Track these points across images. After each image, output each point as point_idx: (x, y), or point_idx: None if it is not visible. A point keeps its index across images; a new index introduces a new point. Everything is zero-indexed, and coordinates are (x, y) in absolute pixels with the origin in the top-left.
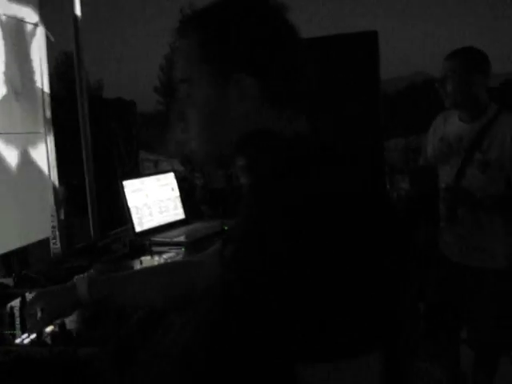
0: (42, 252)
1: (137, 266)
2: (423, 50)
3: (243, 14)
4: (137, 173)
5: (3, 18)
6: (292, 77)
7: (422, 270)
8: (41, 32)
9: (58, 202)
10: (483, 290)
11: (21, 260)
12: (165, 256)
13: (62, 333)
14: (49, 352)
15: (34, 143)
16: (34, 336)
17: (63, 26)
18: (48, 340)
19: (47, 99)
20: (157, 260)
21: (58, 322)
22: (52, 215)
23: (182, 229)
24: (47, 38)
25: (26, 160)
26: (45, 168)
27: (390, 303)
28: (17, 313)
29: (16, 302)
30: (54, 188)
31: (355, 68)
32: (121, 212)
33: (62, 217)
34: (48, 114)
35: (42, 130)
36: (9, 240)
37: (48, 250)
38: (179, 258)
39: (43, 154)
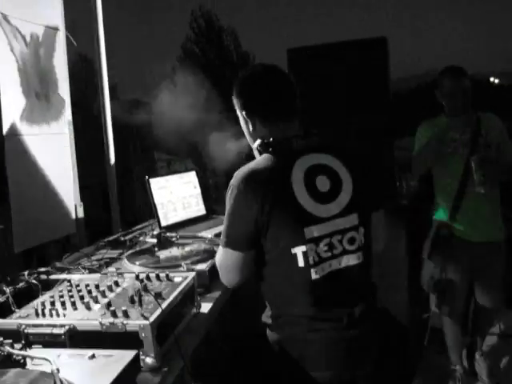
0: (56, 247)
1: (166, 255)
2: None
3: (247, 83)
4: (153, 172)
5: (26, 21)
6: (278, 110)
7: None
8: (62, 35)
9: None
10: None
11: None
12: (188, 248)
13: (108, 310)
14: (99, 325)
15: (58, 143)
16: (84, 313)
17: (80, 27)
18: (95, 316)
19: (68, 101)
20: (185, 251)
21: (105, 301)
22: (74, 212)
23: (204, 224)
24: (69, 41)
25: (52, 159)
26: (69, 167)
27: None
28: (66, 294)
29: (63, 286)
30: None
31: (367, 71)
32: (141, 208)
33: (82, 214)
34: (69, 115)
35: (66, 131)
36: (36, 235)
37: (63, 245)
38: (203, 248)
39: (67, 154)
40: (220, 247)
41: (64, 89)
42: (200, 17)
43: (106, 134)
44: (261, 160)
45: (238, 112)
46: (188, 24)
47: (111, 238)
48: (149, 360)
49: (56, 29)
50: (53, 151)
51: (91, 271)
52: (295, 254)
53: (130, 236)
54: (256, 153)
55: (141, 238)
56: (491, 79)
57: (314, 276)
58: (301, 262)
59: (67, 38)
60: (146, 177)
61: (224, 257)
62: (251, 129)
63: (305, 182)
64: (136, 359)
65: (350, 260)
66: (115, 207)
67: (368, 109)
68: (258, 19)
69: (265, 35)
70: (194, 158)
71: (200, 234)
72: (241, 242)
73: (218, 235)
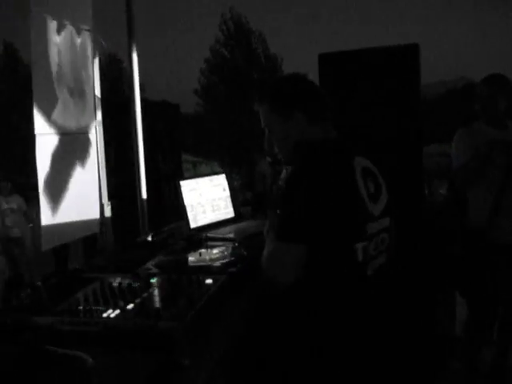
0: (83, 247)
1: (196, 257)
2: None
3: (289, 88)
4: (180, 174)
5: (58, 22)
6: (318, 110)
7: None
8: (93, 36)
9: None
10: None
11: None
12: (218, 250)
13: (141, 309)
14: (133, 324)
15: (87, 143)
16: (117, 312)
17: (108, 27)
18: (129, 315)
19: (98, 101)
20: (215, 253)
21: (137, 301)
22: (100, 212)
23: (233, 226)
24: (99, 42)
25: (80, 159)
26: (95, 167)
27: None
28: (100, 292)
29: (96, 285)
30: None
31: (397, 78)
32: (168, 209)
33: (110, 213)
34: (99, 115)
35: (93, 131)
36: (63, 234)
37: (90, 245)
38: (232, 250)
39: (95, 154)
40: (275, 242)
41: (96, 88)
42: (229, 19)
43: (135, 133)
44: (323, 157)
45: (270, 116)
46: (217, 26)
47: (141, 239)
48: (181, 360)
49: (88, 30)
50: (82, 150)
51: (122, 271)
52: (356, 249)
53: (161, 236)
54: (298, 154)
55: (169, 240)
56: None
57: (369, 272)
58: (360, 257)
59: (97, 38)
60: (177, 179)
61: (281, 251)
62: (288, 130)
63: (363, 180)
64: (170, 359)
65: (381, 260)
66: (143, 208)
67: (397, 115)
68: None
69: (294, 39)
70: (221, 160)
71: (229, 236)
72: (303, 234)
73: (247, 238)
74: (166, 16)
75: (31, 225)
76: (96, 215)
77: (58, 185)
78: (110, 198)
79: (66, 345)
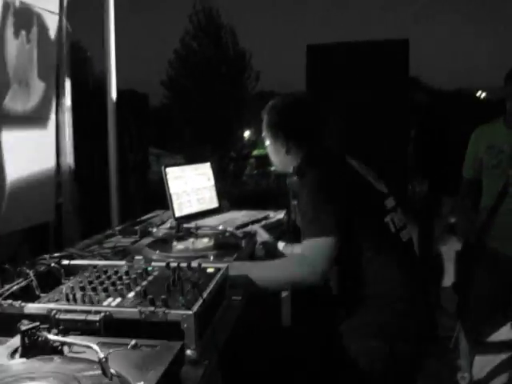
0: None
1: (188, 246)
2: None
3: (286, 112)
4: (147, 165)
5: (20, 4)
6: (313, 136)
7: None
8: (58, 20)
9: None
10: None
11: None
12: (212, 239)
13: (144, 298)
14: (138, 313)
15: (45, 129)
16: (118, 300)
17: (72, 13)
18: (132, 304)
19: (68, 87)
20: (204, 242)
21: (138, 289)
22: (63, 202)
23: (219, 216)
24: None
25: (37, 145)
26: (52, 153)
27: None
28: (95, 280)
29: (90, 272)
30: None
31: (386, 72)
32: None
33: (77, 201)
34: (68, 101)
35: (52, 117)
36: (13, 221)
37: (54, 234)
38: (226, 240)
39: (52, 142)
40: (309, 238)
41: (62, 74)
42: (201, 11)
43: (109, 123)
44: (324, 161)
45: (271, 138)
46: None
47: (121, 227)
48: (189, 352)
49: (53, 13)
50: (40, 139)
51: (107, 258)
52: (388, 223)
53: (142, 225)
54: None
55: (154, 229)
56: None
57: (404, 239)
58: (392, 229)
59: (63, 23)
60: (163, 166)
61: (316, 246)
62: (283, 153)
63: (362, 170)
64: (182, 351)
65: (406, 235)
66: (114, 197)
67: (385, 110)
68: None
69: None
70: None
71: (219, 226)
72: (335, 227)
73: (238, 228)
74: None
75: None
76: (50, 203)
77: (16, 170)
78: (77, 185)
79: (65, 335)
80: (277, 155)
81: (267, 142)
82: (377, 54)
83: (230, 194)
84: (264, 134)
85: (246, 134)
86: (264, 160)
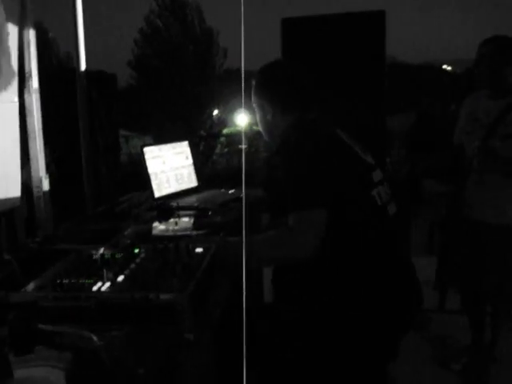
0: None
1: (170, 227)
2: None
3: (271, 73)
4: (118, 147)
5: None
6: (299, 102)
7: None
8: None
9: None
10: (499, 244)
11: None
12: (187, 219)
13: (134, 281)
14: (130, 297)
15: (10, 113)
16: (108, 285)
17: None
18: (122, 288)
19: (35, 71)
20: (185, 221)
21: (126, 273)
22: (37, 186)
23: (199, 195)
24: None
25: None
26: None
27: None
28: (80, 265)
29: (74, 256)
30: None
31: (362, 45)
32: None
33: (47, 187)
34: (35, 83)
35: (15, 100)
36: None
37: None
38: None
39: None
40: (297, 211)
41: (29, 57)
42: None
43: (78, 106)
44: (312, 130)
45: (258, 102)
46: None
47: (100, 210)
48: (185, 334)
49: None
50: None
51: (94, 242)
52: (374, 196)
53: (119, 207)
54: (278, 137)
55: (132, 210)
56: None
57: (390, 212)
58: (379, 202)
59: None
60: (140, 145)
61: (304, 219)
62: (270, 119)
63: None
64: (177, 333)
65: (393, 208)
66: (88, 181)
67: (361, 84)
68: None
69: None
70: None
71: (202, 205)
72: (324, 198)
73: (222, 205)
74: None
75: None
76: (16, 188)
77: None
78: (46, 170)
79: (55, 324)
80: (263, 121)
81: (255, 109)
82: (353, 27)
83: (201, 173)
84: (252, 100)
85: (215, 112)
86: (234, 138)
